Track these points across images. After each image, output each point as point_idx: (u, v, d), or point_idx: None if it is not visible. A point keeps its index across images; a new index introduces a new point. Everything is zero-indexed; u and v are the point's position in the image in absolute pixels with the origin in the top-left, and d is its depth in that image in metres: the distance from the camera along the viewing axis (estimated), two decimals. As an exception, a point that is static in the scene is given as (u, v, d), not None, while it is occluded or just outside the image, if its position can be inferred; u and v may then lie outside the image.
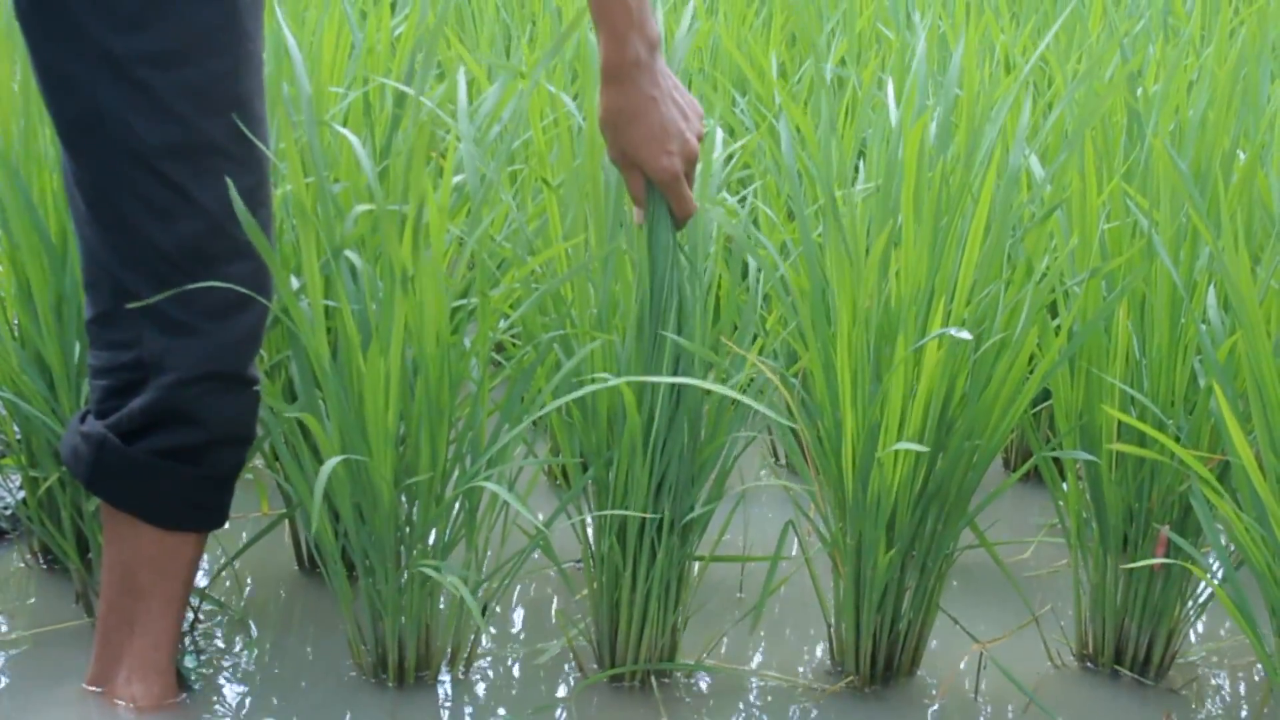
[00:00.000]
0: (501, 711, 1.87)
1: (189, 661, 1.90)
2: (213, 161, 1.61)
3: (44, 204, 1.92)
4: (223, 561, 2.15)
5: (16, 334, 1.97)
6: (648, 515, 1.82)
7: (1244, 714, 2.02)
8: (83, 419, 1.72)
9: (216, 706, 1.83)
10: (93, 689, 1.78)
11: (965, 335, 1.69)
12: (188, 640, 1.96)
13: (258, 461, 2.33)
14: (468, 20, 3.30)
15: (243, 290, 1.65)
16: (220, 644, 1.98)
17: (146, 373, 1.65)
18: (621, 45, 1.65)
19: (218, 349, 1.65)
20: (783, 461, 2.72)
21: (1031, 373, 1.96)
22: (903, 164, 1.81)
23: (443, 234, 1.72)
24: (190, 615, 2.00)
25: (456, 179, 1.95)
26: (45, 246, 1.88)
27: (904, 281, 1.83)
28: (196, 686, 1.86)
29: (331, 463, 1.70)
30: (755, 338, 2.05)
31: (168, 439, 1.67)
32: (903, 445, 1.73)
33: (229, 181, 1.60)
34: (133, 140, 1.58)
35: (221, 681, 1.89)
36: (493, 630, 2.07)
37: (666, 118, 1.69)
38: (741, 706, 1.94)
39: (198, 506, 1.72)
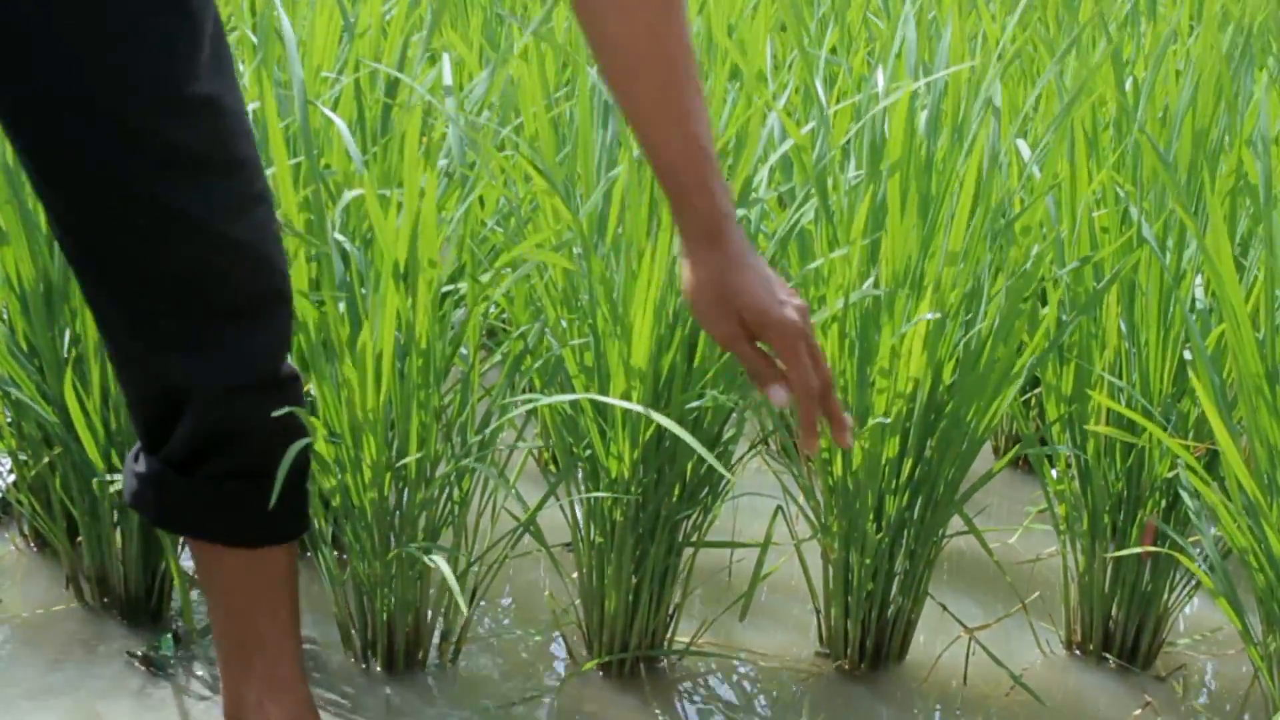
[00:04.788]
0: (491, 696, 1.87)
1: (166, 649, 1.90)
2: (196, 173, 1.48)
3: (31, 190, 1.91)
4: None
5: (5, 319, 1.97)
6: (634, 497, 1.82)
7: (1229, 700, 2.03)
8: (135, 458, 1.62)
9: (202, 691, 1.83)
10: None
11: (932, 315, 1.69)
12: (174, 628, 1.97)
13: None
14: (459, 6, 3.29)
15: (261, 295, 1.53)
16: (206, 628, 1.98)
17: (181, 397, 1.54)
18: (711, 197, 1.38)
19: (246, 359, 1.54)
20: (773, 447, 2.73)
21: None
22: (889, 143, 1.81)
23: (433, 219, 1.72)
24: (175, 600, 2.00)
25: (443, 163, 1.95)
26: (32, 233, 1.88)
27: (890, 265, 1.83)
28: (175, 674, 1.86)
29: (299, 444, 1.68)
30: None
31: (223, 462, 1.57)
32: (877, 420, 1.73)
33: (212, 192, 1.48)
34: (109, 167, 1.45)
35: (206, 667, 1.89)
36: (482, 604, 2.07)
37: (763, 262, 1.41)
38: (731, 691, 1.94)
39: (274, 518, 1.62)
